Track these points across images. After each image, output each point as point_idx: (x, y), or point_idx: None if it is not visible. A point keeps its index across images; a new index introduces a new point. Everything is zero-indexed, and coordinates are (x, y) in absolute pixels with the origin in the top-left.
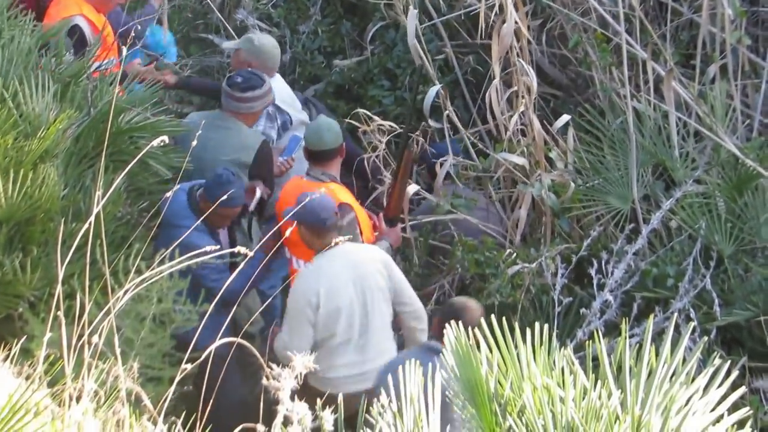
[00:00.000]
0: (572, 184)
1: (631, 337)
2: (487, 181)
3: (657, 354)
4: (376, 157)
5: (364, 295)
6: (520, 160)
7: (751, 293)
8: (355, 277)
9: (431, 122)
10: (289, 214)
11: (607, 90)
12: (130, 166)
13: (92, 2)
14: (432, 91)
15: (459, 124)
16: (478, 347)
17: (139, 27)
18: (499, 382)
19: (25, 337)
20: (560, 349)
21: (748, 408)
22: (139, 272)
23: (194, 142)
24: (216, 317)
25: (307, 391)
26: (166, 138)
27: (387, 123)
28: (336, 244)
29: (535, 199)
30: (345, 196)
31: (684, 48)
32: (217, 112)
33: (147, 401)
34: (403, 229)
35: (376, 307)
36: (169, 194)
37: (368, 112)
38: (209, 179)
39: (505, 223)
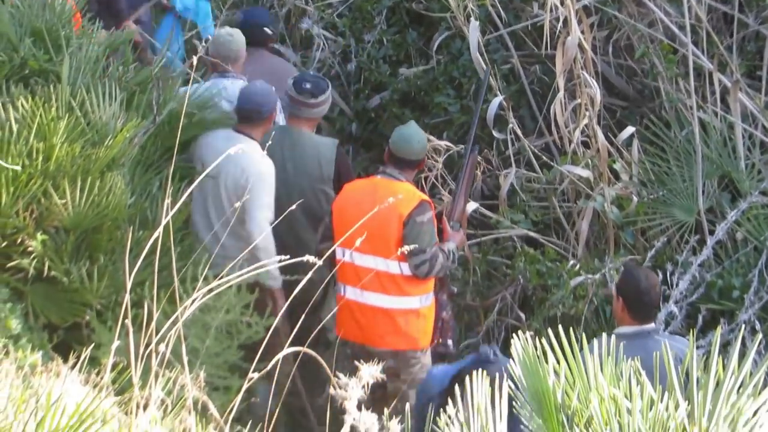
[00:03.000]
0: (635, 198)
1: (696, 348)
2: (551, 193)
3: (723, 366)
4: (434, 176)
5: None
6: (585, 173)
7: None
8: None
9: (495, 133)
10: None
11: (673, 101)
12: (201, 177)
13: None
14: (495, 102)
15: (522, 135)
16: (545, 358)
17: None
18: (566, 392)
19: (92, 345)
20: (627, 360)
21: None
22: (206, 282)
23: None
24: None
25: None
26: (243, 146)
27: (443, 143)
28: None
29: (598, 211)
30: (422, 195)
31: (750, 59)
32: (284, 127)
33: (213, 410)
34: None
35: None
36: None
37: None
38: None
39: None
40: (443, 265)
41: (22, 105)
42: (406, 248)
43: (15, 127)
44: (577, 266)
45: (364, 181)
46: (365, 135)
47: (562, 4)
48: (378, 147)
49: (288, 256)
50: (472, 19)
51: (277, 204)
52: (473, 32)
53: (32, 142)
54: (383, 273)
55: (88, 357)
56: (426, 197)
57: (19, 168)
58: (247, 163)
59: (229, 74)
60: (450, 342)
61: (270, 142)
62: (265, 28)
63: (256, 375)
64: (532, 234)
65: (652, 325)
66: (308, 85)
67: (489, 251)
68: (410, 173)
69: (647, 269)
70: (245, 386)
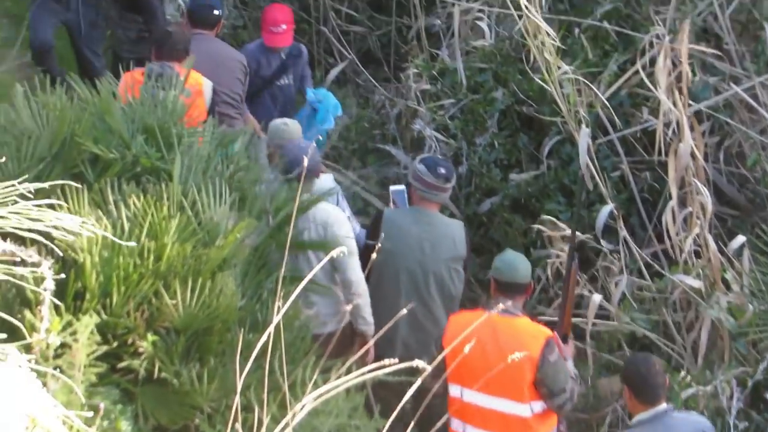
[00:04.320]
0: (751, 307)
1: None
2: (662, 302)
3: None
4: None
5: None
6: (696, 283)
7: None
8: None
9: (604, 243)
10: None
11: None
12: (306, 279)
13: None
14: (605, 211)
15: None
16: None
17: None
18: None
19: None
20: None
21: None
22: (315, 386)
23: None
24: None
25: None
26: (345, 249)
27: (567, 232)
28: None
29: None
30: (545, 330)
31: None
32: (416, 208)
33: None
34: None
35: None
36: None
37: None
38: None
39: None
40: (578, 392)
41: (134, 203)
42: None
43: (127, 226)
44: (688, 378)
45: (477, 316)
46: (476, 240)
47: (674, 106)
48: (488, 253)
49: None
50: (583, 125)
51: (413, 282)
52: (583, 139)
53: (144, 240)
54: (511, 415)
55: None
56: (548, 331)
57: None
58: (327, 215)
59: None
60: None
61: (404, 221)
62: (215, 11)
63: None
64: (648, 334)
65: (665, 405)
66: (443, 170)
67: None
68: (521, 300)
69: (648, 354)
70: None
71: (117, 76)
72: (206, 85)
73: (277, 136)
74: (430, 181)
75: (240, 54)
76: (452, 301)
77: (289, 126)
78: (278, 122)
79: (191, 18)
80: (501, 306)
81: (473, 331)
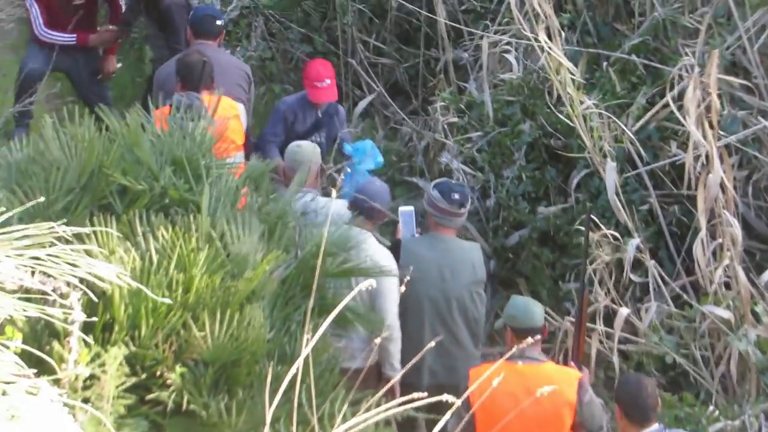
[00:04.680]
0: None
1: None
2: (691, 333)
3: None
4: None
5: None
6: (726, 314)
7: None
8: None
9: (633, 276)
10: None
11: None
12: (335, 312)
13: None
14: (632, 244)
15: (662, 276)
16: None
17: None
18: None
19: None
20: None
21: None
22: (345, 419)
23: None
24: None
25: None
26: (374, 282)
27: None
28: None
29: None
30: (574, 372)
31: None
32: (433, 235)
33: None
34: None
35: None
36: None
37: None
38: None
39: None
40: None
41: (162, 235)
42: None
43: (155, 258)
44: (716, 412)
45: (499, 368)
46: (503, 273)
47: (705, 139)
48: (516, 286)
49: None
50: (608, 159)
51: (436, 308)
52: (609, 173)
53: (172, 273)
54: None
55: None
56: (578, 373)
57: (169, 301)
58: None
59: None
60: None
61: (422, 249)
62: (217, 21)
63: None
64: (678, 359)
65: (656, 425)
66: (457, 196)
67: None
68: (539, 344)
69: (641, 375)
70: None
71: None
72: (241, 108)
73: (291, 157)
74: (444, 207)
75: (244, 64)
76: (476, 325)
77: (302, 147)
78: (293, 144)
79: (194, 29)
80: (516, 353)
81: (501, 384)
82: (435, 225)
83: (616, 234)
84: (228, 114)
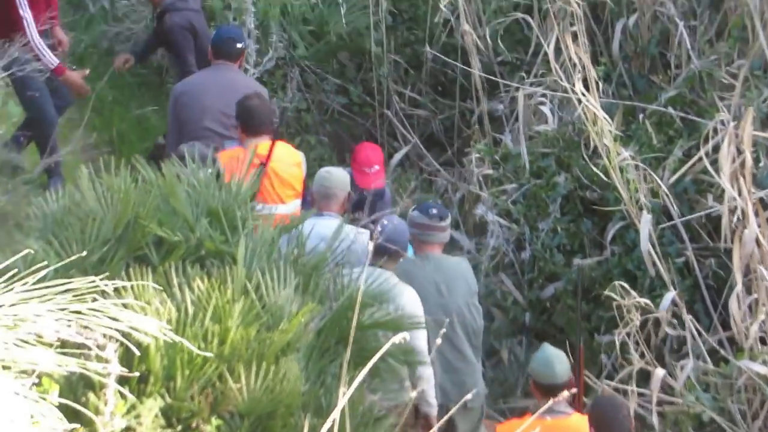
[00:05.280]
0: None
1: None
2: (727, 387)
3: None
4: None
5: None
6: (763, 369)
7: None
8: None
9: (668, 330)
10: None
11: None
12: (371, 363)
13: None
14: (667, 297)
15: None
16: None
17: None
18: None
19: None
20: None
21: None
22: None
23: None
24: None
25: None
26: (407, 335)
27: (643, 300)
28: None
29: None
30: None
31: None
32: (419, 255)
33: None
34: None
35: None
36: None
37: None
38: None
39: None
40: None
41: (198, 287)
42: None
43: (191, 309)
44: None
45: (534, 424)
46: (538, 325)
47: (740, 195)
48: (552, 338)
49: None
50: (644, 211)
51: (439, 326)
52: (644, 225)
53: (207, 324)
54: None
55: None
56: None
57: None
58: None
59: (325, 214)
60: None
61: (414, 269)
62: (238, 44)
63: None
64: (715, 417)
65: None
66: (435, 210)
67: None
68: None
69: (615, 396)
70: None
71: None
72: (302, 157)
73: (319, 183)
74: (424, 222)
75: (262, 87)
76: (476, 337)
77: (332, 174)
78: (322, 170)
79: (215, 49)
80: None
81: None
82: (420, 244)
83: (648, 301)
84: (290, 161)
